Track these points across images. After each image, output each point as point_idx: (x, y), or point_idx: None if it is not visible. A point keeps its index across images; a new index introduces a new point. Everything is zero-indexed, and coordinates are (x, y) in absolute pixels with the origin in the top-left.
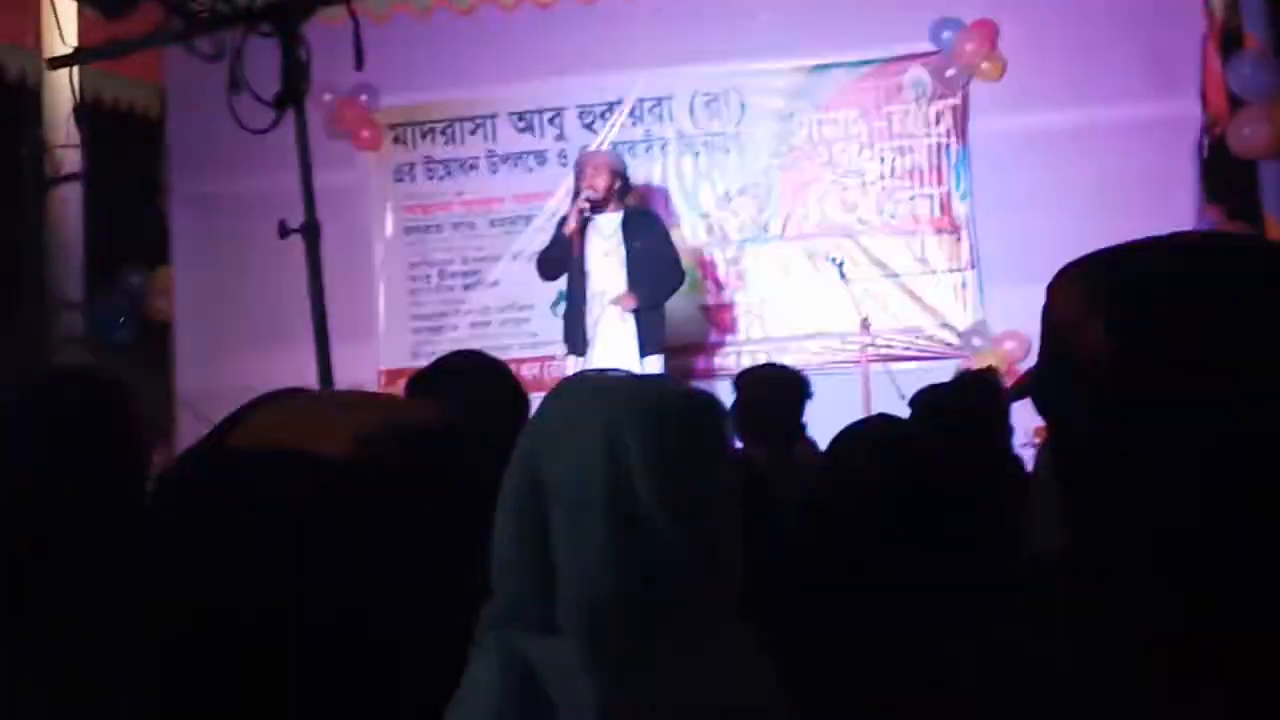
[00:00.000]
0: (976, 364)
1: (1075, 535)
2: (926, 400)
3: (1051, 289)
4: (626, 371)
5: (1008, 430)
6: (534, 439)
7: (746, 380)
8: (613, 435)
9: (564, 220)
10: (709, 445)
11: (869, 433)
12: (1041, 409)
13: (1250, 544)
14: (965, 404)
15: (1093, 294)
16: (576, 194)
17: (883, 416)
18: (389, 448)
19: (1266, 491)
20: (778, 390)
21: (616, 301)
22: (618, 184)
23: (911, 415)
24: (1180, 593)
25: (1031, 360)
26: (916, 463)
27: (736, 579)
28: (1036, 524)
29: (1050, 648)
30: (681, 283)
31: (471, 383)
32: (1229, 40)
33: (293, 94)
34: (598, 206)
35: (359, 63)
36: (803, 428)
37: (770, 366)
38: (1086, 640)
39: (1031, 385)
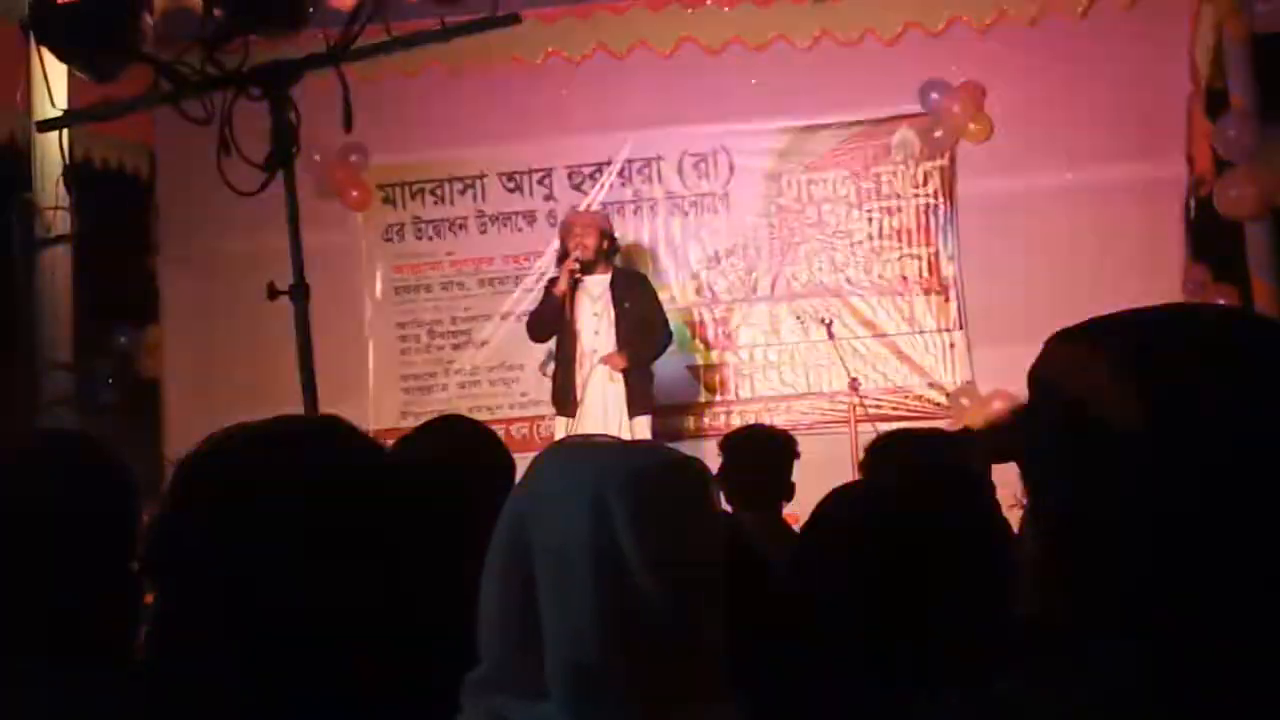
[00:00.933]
0: (965, 423)
1: (1079, 597)
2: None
3: (1062, 355)
4: (612, 436)
5: (989, 489)
6: (520, 503)
7: (733, 443)
8: (599, 499)
9: (553, 281)
10: (694, 509)
11: (852, 492)
12: (1035, 472)
13: (1245, 609)
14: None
15: (1121, 360)
16: (563, 255)
17: (869, 479)
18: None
19: None
20: (764, 452)
21: (606, 361)
22: (606, 244)
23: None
24: (1219, 653)
25: None
26: (901, 522)
27: (721, 641)
28: (1022, 585)
29: (1044, 706)
30: (669, 343)
31: (457, 446)
32: (1214, 102)
33: (282, 156)
34: (586, 267)
35: (348, 124)
36: (792, 489)
37: (756, 428)
38: (1087, 699)
39: (1024, 449)
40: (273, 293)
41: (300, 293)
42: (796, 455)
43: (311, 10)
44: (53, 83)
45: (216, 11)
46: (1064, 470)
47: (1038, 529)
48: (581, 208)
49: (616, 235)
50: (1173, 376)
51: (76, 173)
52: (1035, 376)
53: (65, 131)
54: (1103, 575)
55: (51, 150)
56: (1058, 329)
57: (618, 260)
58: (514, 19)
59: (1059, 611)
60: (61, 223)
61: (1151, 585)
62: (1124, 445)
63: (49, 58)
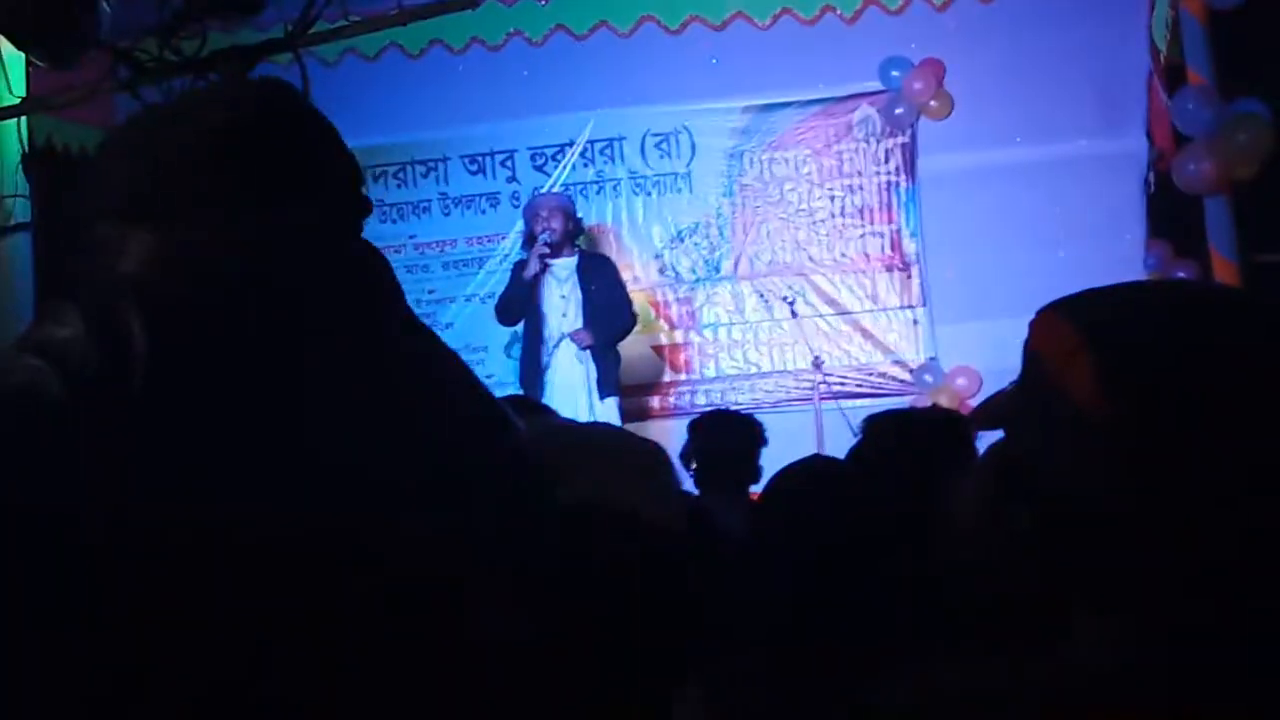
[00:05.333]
0: (927, 401)
1: (1041, 574)
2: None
3: (1035, 325)
4: (569, 419)
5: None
6: None
7: (700, 427)
8: (544, 481)
9: (522, 265)
10: (644, 490)
11: (801, 471)
12: (1020, 445)
13: (1236, 593)
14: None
15: (1079, 334)
16: (528, 237)
17: (818, 456)
18: None
19: (1249, 538)
20: (731, 436)
21: (574, 336)
22: (571, 226)
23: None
24: (1157, 638)
25: (982, 396)
26: (846, 500)
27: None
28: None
29: (994, 690)
30: (633, 327)
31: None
32: (1173, 77)
33: None
34: (554, 250)
35: None
36: (759, 472)
37: (724, 413)
38: (1038, 683)
39: (1005, 418)
40: None
41: None
42: (764, 441)
43: None
44: (10, 70)
45: None
46: (1034, 442)
47: (1021, 505)
48: (544, 189)
49: (580, 217)
50: (1122, 351)
51: (35, 162)
52: (1023, 347)
53: (24, 119)
54: (1088, 554)
55: (10, 138)
56: (1019, 304)
57: (582, 242)
58: (471, 2)
59: (1034, 592)
60: (21, 211)
61: (1137, 565)
62: (1075, 419)
63: (6, 45)
